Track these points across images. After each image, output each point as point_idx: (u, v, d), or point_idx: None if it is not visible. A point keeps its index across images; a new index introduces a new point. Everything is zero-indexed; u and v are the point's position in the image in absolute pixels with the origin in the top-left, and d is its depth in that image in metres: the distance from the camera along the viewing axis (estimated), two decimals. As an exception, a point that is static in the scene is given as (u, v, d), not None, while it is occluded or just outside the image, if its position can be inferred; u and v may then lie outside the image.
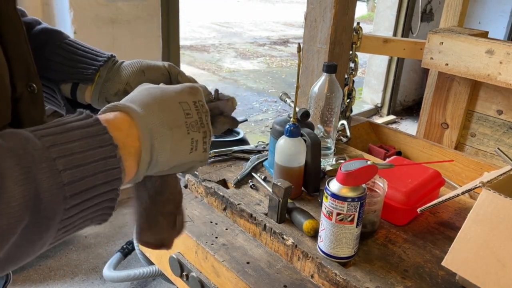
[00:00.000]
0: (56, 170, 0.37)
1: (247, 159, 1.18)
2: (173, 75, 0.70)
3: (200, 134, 0.52)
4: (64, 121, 0.42)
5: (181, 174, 0.91)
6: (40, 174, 0.36)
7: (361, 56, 1.53)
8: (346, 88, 1.45)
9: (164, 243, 0.59)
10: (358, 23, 1.42)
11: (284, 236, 0.89)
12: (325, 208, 0.80)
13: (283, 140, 0.99)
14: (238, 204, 0.99)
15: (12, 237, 0.35)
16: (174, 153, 0.50)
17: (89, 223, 0.43)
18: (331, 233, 0.80)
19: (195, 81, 0.69)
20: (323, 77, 1.14)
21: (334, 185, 0.79)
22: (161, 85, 0.54)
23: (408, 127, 4.59)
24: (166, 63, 0.71)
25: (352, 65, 1.44)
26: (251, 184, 1.08)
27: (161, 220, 0.57)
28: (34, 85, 0.56)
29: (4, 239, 0.35)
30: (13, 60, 0.52)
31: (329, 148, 1.21)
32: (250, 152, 1.23)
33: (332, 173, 1.07)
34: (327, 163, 1.19)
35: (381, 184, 0.92)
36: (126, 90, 0.68)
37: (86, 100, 0.70)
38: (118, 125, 0.45)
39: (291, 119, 0.98)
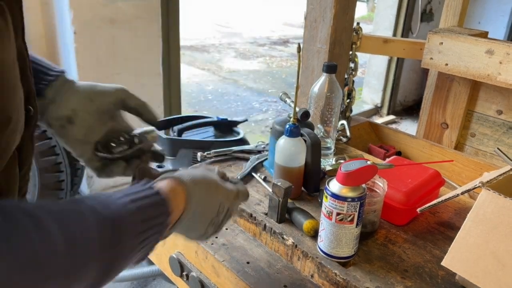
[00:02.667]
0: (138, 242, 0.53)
1: (247, 159, 1.19)
2: (124, 101, 0.72)
3: (213, 230, 0.66)
4: (137, 190, 0.55)
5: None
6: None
7: (361, 56, 1.53)
8: (346, 88, 1.45)
9: None
10: (358, 23, 1.42)
11: (284, 236, 0.89)
12: (325, 208, 0.80)
13: (283, 140, 0.99)
14: (238, 204, 0.99)
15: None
16: (186, 233, 0.65)
17: (140, 260, 0.56)
18: (331, 233, 0.80)
19: (143, 104, 0.73)
20: (323, 77, 1.14)
21: (334, 185, 0.79)
22: (214, 175, 0.67)
23: (408, 127, 4.59)
24: (119, 88, 0.72)
25: (352, 65, 1.44)
26: (252, 187, 1.08)
27: None
28: (31, 108, 0.57)
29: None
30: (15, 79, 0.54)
31: (329, 148, 1.21)
32: (250, 152, 1.23)
33: (332, 173, 1.07)
34: (327, 163, 1.19)
35: (381, 184, 0.92)
36: (70, 117, 0.68)
37: None
38: (179, 195, 0.59)
39: (291, 119, 0.98)
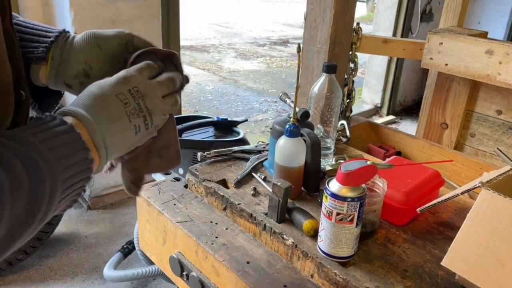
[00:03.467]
0: (55, 169, 0.48)
1: (247, 159, 1.19)
2: (129, 42, 0.69)
3: (140, 119, 0.58)
4: (49, 126, 0.49)
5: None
6: (45, 169, 0.46)
7: (361, 56, 1.53)
8: (346, 88, 1.45)
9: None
10: (358, 23, 1.42)
11: (284, 236, 0.89)
12: (325, 208, 0.80)
13: (283, 140, 0.99)
14: (238, 204, 0.99)
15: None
16: (123, 141, 0.57)
17: (66, 207, 0.53)
18: (331, 233, 0.81)
19: (150, 44, 0.69)
20: (323, 77, 1.14)
21: (334, 185, 0.79)
22: (100, 82, 0.58)
23: (408, 127, 4.59)
24: (120, 31, 0.69)
25: (352, 65, 1.45)
26: (252, 187, 1.08)
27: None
28: (23, 92, 0.57)
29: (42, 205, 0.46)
30: (5, 70, 0.54)
31: (329, 148, 1.21)
32: (250, 152, 1.23)
33: (332, 173, 1.07)
34: (327, 163, 1.19)
35: (380, 184, 0.92)
36: (86, 70, 0.67)
37: (42, 82, 0.67)
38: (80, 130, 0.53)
39: (291, 119, 0.99)
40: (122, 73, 0.60)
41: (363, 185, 0.80)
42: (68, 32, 0.68)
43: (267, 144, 1.24)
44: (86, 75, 0.67)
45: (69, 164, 0.49)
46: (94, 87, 0.57)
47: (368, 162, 0.80)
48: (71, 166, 0.49)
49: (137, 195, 0.69)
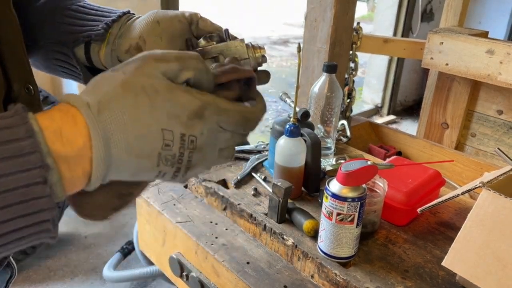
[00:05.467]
0: None
1: (247, 159, 1.18)
2: (193, 23, 0.59)
3: (172, 168, 0.42)
4: None
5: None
6: None
7: (361, 56, 1.52)
8: (346, 88, 1.45)
9: (87, 214, 0.46)
10: (358, 23, 1.42)
11: (284, 236, 0.89)
12: (325, 208, 0.80)
13: (283, 140, 0.99)
14: (238, 204, 0.99)
15: None
16: (134, 177, 0.42)
17: (17, 249, 0.36)
18: (331, 233, 0.80)
19: (217, 29, 0.58)
20: (323, 77, 1.14)
21: (334, 185, 0.79)
22: (155, 90, 0.40)
23: (408, 127, 4.59)
24: (186, 11, 0.61)
25: (352, 65, 1.44)
26: (252, 187, 1.08)
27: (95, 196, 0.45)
28: (31, 86, 0.55)
29: None
30: (9, 61, 0.51)
31: (329, 148, 1.21)
32: (250, 152, 1.23)
33: (332, 173, 1.07)
34: (327, 163, 1.19)
35: (381, 184, 0.92)
36: (139, 45, 0.60)
37: (102, 62, 0.63)
38: (68, 137, 0.36)
39: (291, 119, 0.98)
40: (196, 104, 0.41)
41: (364, 185, 0.80)
42: (134, 14, 0.64)
43: (267, 144, 1.24)
44: (139, 49, 0.59)
45: None
46: (143, 97, 0.39)
47: (369, 162, 0.79)
48: None
49: (108, 219, 0.48)
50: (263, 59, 0.57)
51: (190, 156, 0.42)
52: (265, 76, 0.57)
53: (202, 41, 0.57)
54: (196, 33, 0.59)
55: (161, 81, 0.40)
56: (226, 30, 0.59)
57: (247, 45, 0.56)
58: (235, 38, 0.58)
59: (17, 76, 0.53)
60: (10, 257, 0.68)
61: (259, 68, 0.59)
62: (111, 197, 0.44)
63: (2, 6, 0.51)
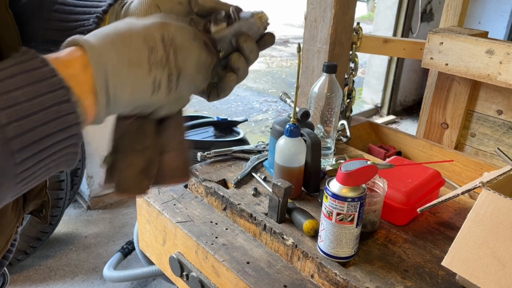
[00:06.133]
0: None
1: (247, 159, 1.18)
2: (192, 1, 0.58)
3: (164, 72, 0.46)
4: (4, 65, 0.37)
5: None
6: None
7: (361, 56, 1.53)
8: (346, 88, 1.45)
9: (125, 188, 0.50)
10: (358, 23, 1.42)
11: (284, 236, 0.89)
12: (325, 208, 0.80)
13: (283, 140, 0.99)
14: (238, 204, 0.99)
15: None
16: (134, 93, 0.45)
17: (55, 170, 0.41)
18: (331, 233, 0.80)
19: (218, 2, 0.58)
20: (323, 77, 1.14)
21: (334, 185, 0.79)
22: (132, 18, 0.48)
23: (408, 127, 4.59)
24: None
25: (352, 65, 1.44)
26: (252, 187, 1.08)
27: (130, 159, 0.50)
28: None
29: None
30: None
31: (329, 148, 1.21)
32: (250, 152, 1.23)
33: (332, 173, 1.07)
34: (327, 163, 1.19)
35: (381, 184, 0.92)
36: None
37: None
38: (69, 62, 0.41)
39: (291, 119, 0.98)
40: (159, 15, 0.49)
41: (364, 185, 0.80)
42: None
43: (267, 144, 1.24)
44: None
45: (29, 110, 0.36)
46: (122, 22, 0.47)
47: (369, 162, 0.79)
48: (34, 114, 0.36)
49: (145, 193, 0.52)
50: (267, 22, 0.58)
51: (175, 55, 0.47)
52: (270, 38, 0.59)
53: (213, 26, 0.55)
54: (197, 10, 0.58)
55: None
56: (234, 9, 0.56)
57: (253, 15, 0.56)
58: (239, 13, 0.56)
59: None
60: (4, 268, 0.68)
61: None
62: (130, 158, 0.48)
63: None
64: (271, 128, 1.09)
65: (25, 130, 0.36)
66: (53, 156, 0.39)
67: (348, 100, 1.47)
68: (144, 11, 0.58)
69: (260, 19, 0.55)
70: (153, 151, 0.51)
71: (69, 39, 0.43)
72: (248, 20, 0.55)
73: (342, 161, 1.20)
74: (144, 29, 0.46)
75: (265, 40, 0.57)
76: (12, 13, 0.53)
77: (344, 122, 1.44)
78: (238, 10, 0.56)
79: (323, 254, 0.83)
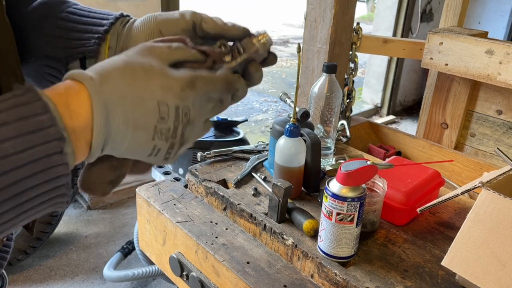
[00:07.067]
0: None
1: (247, 159, 1.19)
2: (196, 25, 0.57)
3: (166, 144, 0.44)
4: (0, 106, 0.35)
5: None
6: None
7: (361, 56, 1.53)
8: (346, 88, 1.45)
9: (90, 190, 0.50)
10: (358, 23, 1.42)
11: (284, 236, 0.89)
12: (325, 208, 0.80)
13: (283, 140, 0.99)
14: (238, 204, 0.99)
15: None
16: (130, 151, 0.44)
17: (41, 215, 0.40)
18: (331, 233, 0.80)
19: (222, 27, 0.56)
20: (323, 77, 1.14)
21: (334, 185, 0.79)
22: (151, 60, 0.44)
23: (408, 127, 4.59)
24: (187, 13, 0.57)
25: (352, 65, 1.44)
26: (252, 187, 1.08)
27: (102, 171, 0.49)
28: None
29: None
30: (1, 71, 0.50)
31: (329, 148, 1.21)
32: (250, 152, 1.23)
33: (332, 173, 1.07)
34: (327, 163, 1.19)
35: (381, 184, 0.92)
36: None
37: None
38: (75, 113, 0.39)
39: (291, 119, 0.98)
40: (188, 75, 0.45)
41: (363, 185, 0.80)
42: (127, 16, 0.60)
43: (267, 144, 1.24)
44: None
45: (16, 163, 0.34)
46: (139, 66, 0.43)
47: (368, 162, 0.79)
48: (20, 167, 0.34)
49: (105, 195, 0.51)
50: (271, 44, 0.57)
51: (184, 130, 0.45)
52: (273, 59, 0.58)
53: (226, 60, 0.54)
54: (201, 35, 0.58)
55: (157, 61, 0.44)
56: (239, 44, 0.55)
57: (255, 38, 0.55)
58: (243, 40, 0.55)
59: (8, 86, 0.50)
60: (3, 270, 0.67)
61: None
62: (104, 170, 0.47)
63: None
64: (271, 128, 1.09)
65: (7, 185, 0.34)
66: (38, 207, 0.38)
67: (348, 100, 1.47)
68: (147, 35, 0.57)
69: (264, 45, 0.55)
70: (125, 167, 0.50)
71: (75, 74, 0.40)
72: (253, 46, 0.54)
73: (342, 161, 1.20)
74: (161, 90, 0.43)
75: (268, 61, 0.57)
76: (13, 25, 0.53)
77: (344, 122, 1.44)
78: (244, 44, 0.54)
79: (323, 254, 0.84)
